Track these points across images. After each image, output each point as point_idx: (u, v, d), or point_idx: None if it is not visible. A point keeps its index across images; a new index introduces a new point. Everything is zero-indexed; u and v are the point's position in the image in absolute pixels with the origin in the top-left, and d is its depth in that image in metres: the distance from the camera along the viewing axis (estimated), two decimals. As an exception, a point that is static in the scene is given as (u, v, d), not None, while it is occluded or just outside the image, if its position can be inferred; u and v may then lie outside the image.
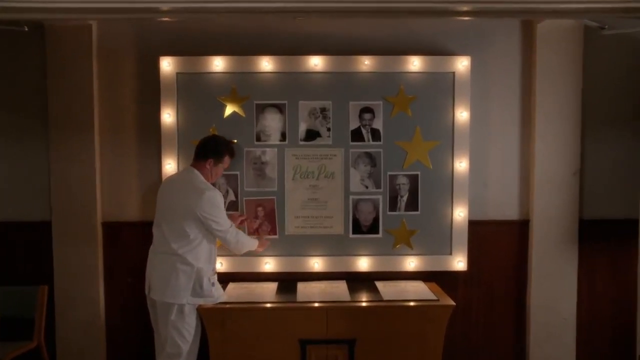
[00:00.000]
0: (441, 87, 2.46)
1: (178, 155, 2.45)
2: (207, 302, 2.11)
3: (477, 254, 2.57)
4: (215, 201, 2.07)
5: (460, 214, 2.48)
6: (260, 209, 2.37)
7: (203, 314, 2.12)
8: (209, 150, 2.16)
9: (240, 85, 2.44)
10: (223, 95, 2.44)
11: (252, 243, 2.27)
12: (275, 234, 2.41)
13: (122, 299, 2.54)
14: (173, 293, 2.05)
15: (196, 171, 2.16)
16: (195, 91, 2.43)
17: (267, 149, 2.47)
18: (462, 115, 2.47)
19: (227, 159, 2.21)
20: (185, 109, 2.44)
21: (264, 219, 2.43)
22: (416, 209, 2.48)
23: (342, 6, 1.71)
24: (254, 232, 2.43)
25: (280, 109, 2.45)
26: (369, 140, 2.46)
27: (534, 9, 1.78)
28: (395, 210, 2.48)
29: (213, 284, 2.12)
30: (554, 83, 2.49)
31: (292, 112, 2.46)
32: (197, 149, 2.20)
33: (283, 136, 2.46)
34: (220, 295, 2.17)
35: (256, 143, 2.46)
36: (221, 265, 2.45)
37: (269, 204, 2.40)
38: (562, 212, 2.52)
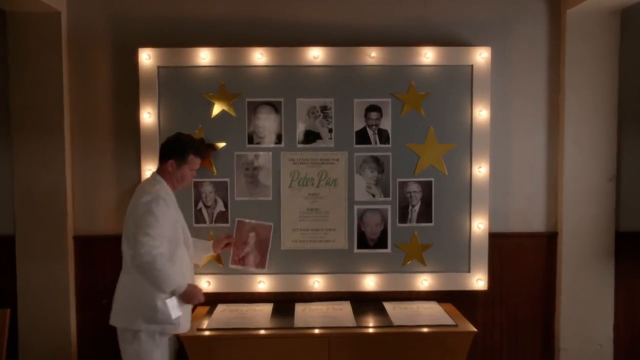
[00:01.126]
0: (458, 82, 2.41)
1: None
2: (167, 330, 1.94)
3: (499, 271, 2.52)
4: (150, 207, 1.87)
5: (479, 225, 2.43)
6: (252, 234, 2.30)
7: (186, 343, 2.05)
8: (169, 150, 2.01)
9: (230, 80, 2.39)
10: (211, 92, 2.39)
11: (173, 283, 1.90)
12: (263, 267, 2.35)
13: (96, 323, 2.47)
14: (125, 317, 1.93)
15: (158, 177, 2.03)
16: (179, 87, 2.38)
17: (261, 153, 2.42)
18: (482, 114, 2.41)
19: (193, 159, 2.02)
20: (167, 107, 2.39)
21: (254, 247, 2.36)
22: (429, 221, 2.44)
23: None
24: (239, 262, 2.37)
25: (275, 107, 2.40)
26: (375, 143, 2.42)
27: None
28: (405, 222, 2.44)
29: (173, 307, 1.90)
30: (585, 77, 2.45)
31: (288, 110, 2.41)
32: (159, 151, 2.10)
33: (279, 138, 2.41)
34: (182, 322, 1.97)
35: (248, 146, 2.42)
36: (208, 284, 2.40)
37: (264, 231, 2.32)
38: (596, 224, 2.48)
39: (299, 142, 2.42)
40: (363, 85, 2.42)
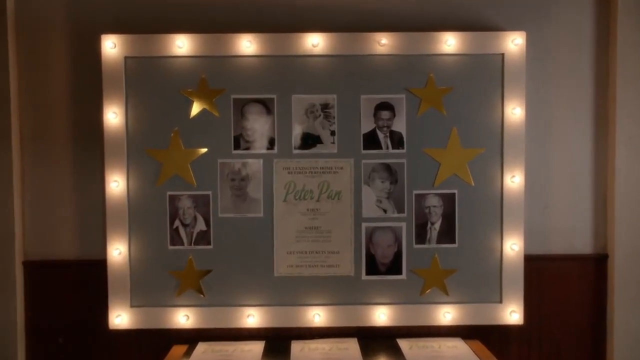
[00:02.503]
0: (486, 75, 2.32)
1: (128, 169, 2.30)
2: None
3: (537, 302, 2.44)
4: None
5: (513, 246, 2.35)
6: None
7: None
8: None
9: (213, 73, 2.31)
10: (189, 88, 2.30)
11: None
12: None
13: (51, 366, 2.37)
14: None
15: None
16: (151, 82, 2.29)
17: (250, 161, 2.33)
18: (515, 112, 2.33)
19: None
20: (137, 106, 2.31)
21: None
22: (452, 241, 2.36)
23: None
24: None
25: (266, 106, 2.33)
26: (387, 148, 2.34)
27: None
28: (424, 243, 2.36)
29: None
30: (641, 68, 2.37)
31: (283, 109, 2.34)
32: None
33: (271, 143, 2.34)
34: None
35: (234, 152, 2.32)
36: (186, 319, 2.31)
37: None
38: (655, 244, 2.37)
39: (295, 148, 2.34)
40: (372, 79, 2.33)
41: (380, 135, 2.33)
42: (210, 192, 2.32)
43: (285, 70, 2.31)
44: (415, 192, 2.34)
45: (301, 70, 2.31)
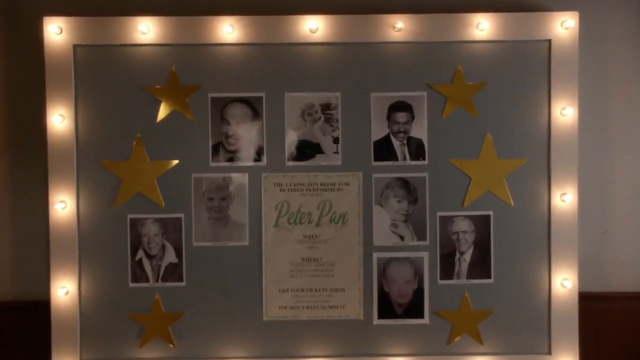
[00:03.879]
0: (528, 67, 2.21)
1: (78, 187, 2.16)
2: None
3: (596, 352, 2.30)
4: None
5: (564, 282, 2.19)
6: None
7: None
8: None
9: (185, 66, 2.20)
10: (155, 84, 2.20)
11: None
12: None
13: None
14: None
15: None
16: (107, 77, 2.18)
17: (232, 175, 2.21)
18: (565, 113, 2.18)
19: None
20: (89, 107, 2.19)
21: None
22: (487, 275, 2.23)
23: None
24: None
25: (253, 106, 2.22)
26: (404, 159, 2.24)
27: None
28: (451, 278, 2.23)
29: None
30: None
31: (273, 111, 2.23)
32: None
33: (258, 153, 2.22)
34: None
35: (213, 164, 2.21)
36: (150, 376, 2.15)
37: None
38: None
39: (289, 159, 2.24)
40: (385, 73, 2.22)
41: (396, 142, 2.26)
42: (182, 215, 2.23)
43: (276, 62, 2.23)
44: (439, 214, 2.26)
45: (296, 62, 2.23)
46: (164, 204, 2.21)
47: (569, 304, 2.23)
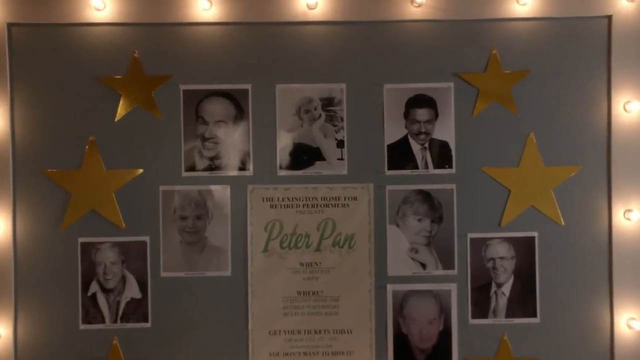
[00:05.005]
0: (582, 51, 2.08)
1: (15, 202, 2.01)
2: None
3: None
4: None
5: (631, 322, 2.03)
6: None
7: None
8: None
9: (151, 51, 2.07)
10: (114, 73, 2.06)
11: None
12: None
13: None
14: None
15: None
16: (52, 64, 2.06)
17: (211, 188, 2.08)
18: (630, 108, 2.03)
19: None
20: (29, 102, 2.07)
21: None
22: (532, 313, 2.07)
23: None
24: None
25: (236, 101, 2.09)
26: (426, 166, 2.10)
27: None
28: (486, 316, 2.07)
29: None
30: None
31: (262, 107, 2.10)
32: None
33: (243, 160, 2.09)
34: None
35: (186, 175, 2.06)
36: None
37: None
38: None
39: (282, 167, 2.11)
40: (401, 59, 2.10)
41: (416, 146, 2.13)
42: (147, 239, 2.09)
43: (265, 46, 2.12)
44: (470, 235, 2.12)
45: (290, 46, 2.13)
46: (124, 225, 2.08)
47: (637, 348, 2.09)
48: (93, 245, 2.02)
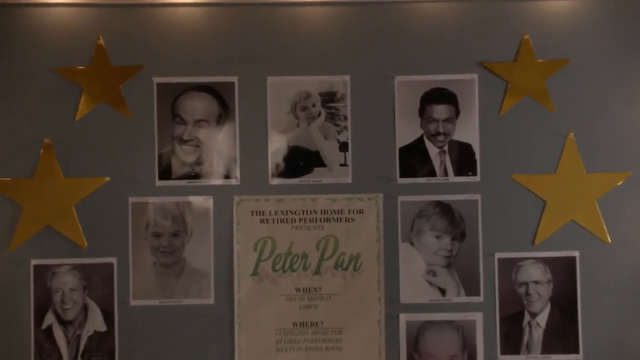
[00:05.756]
0: (630, 37, 1.96)
1: None
2: None
3: None
4: None
5: None
6: None
7: None
8: None
9: (119, 37, 1.96)
10: (74, 63, 1.93)
11: None
12: None
13: None
14: None
15: None
16: (1, 52, 1.95)
17: (191, 199, 1.97)
18: None
19: None
20: None
21: None
22: (573, 348, 1.93)
23: None
24: None
25: (220, 97, 1.97)
26: (445, 173, 1.98)
27: None
28: (517, 352, 1.93)
29: None
30: None
31: (251, 104, 1.98)
32: None
33: (229, 166, 1.97)
34: None
35: (160, 184, 1.93)
36: None
37: None
38: None
39: (274, 174, 1.98)
40: (416, 47, 1.99)
41: (433, 149, 1.99)
42: (114, 260, 1.95)
43: (255, 32, 1.99)
44: (499, 255, 1.96)
45: (284, 31, 2.00)
46: (86, 244, 1.93)
47: (700, 392, 1.87)
48: (49, 269, 1.90)
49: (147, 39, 1.95)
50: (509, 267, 1.94)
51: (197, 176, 1.94)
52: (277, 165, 1.96)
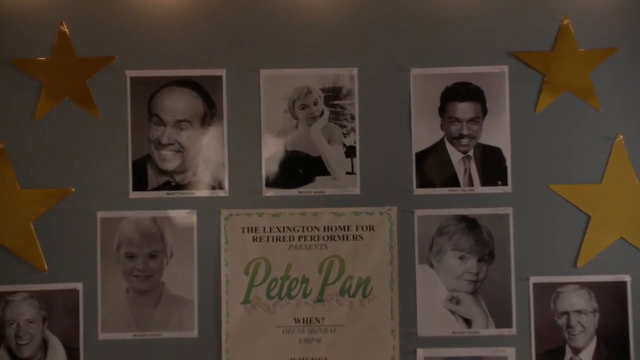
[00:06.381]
0: None
1: None
2: None
3: None
4: None
5: None
6: None
7: None
8: None
9: (85, 25, 1.80)
10: (33, 55, 1.79)
11: None
12: None
13: None
14: None
15: None
16: None
17: (171, 214, 1.81)
18: None
19: None
20: None
21: None
22: None
23: None
24: None
25: (205, 93, 1.81)
26: (470, 183, 1.81)
27: None
28: None
29: None
30: None
31: (241, 101, 1.83)
32: None
33: (216, 175, 1.80)
34: None
35: (134, 195, 1.77)
36: None
37: None
38: None
39: (269, 184, 1.82)
40: (435, 34, 1.83)
41: (456, 155, 1.84)
42: (79, 285, 1.79)
43: (247, 18, 1.83)
44: (534, 279, 1.80)
45: (281, 17, 1.85)
46: (46, 267, 1.78)
47: None
48: (2, 297, 1.75)
49: (119, 25, 1.80)
50: (547, 293, 1.78)
51: (178, 187, 1.78)
52: (273, 174, 1.81)
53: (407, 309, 1.79)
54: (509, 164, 1.78)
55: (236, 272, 1.78)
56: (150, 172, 1.79)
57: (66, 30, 1.76)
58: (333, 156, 1.82)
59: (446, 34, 1.82)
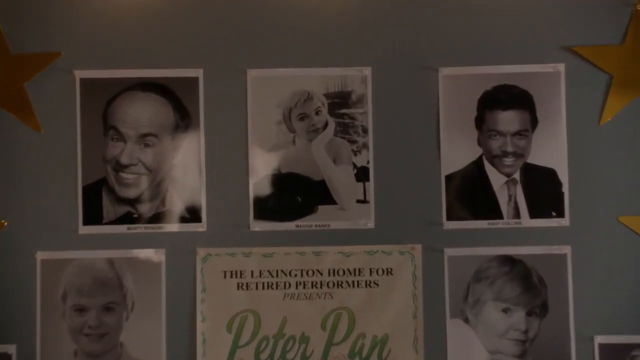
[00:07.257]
0: None
1: None
2: None
3: None
4: None
5: None
6: None
7: None
8: None
9: (21, 15, 1.59)
10: None
11: None
12: None
13: None
14: None
15: None
16: None
17: (134, 254, 1.57)
18: None
19: None
20: None
21: None
22: None
23: None
24: None
25: (176, 99, 1.55)
26: (516, 214, 1.55)
27: None
28: None
29: None
30: None
31: (222, 109, 1.59)
32: None
33: (190, 204, 1.55)
34: None
35: (84, 230, 1.52)
36: None
37: None
38: None
39: (257, 216, 1.57)
40: (469, 26, 1.58)
41: (498, 178, 1.59)
42: (12, 348, 1.58)
43: (229, 5, 1.62)
44: (600, 339, 1.55)
45: (274, 5, 1.63)
46: None
47: None
48: None
49: (65, 15, 1.57)
50: (618, 357, 1.52)
51: (142, 219, 1.53)
52: (263, 202, 1.56)
53: (435, 378, 1.58)
54: (566, 189, 1.55)
55: (216, 329, 1.54)
56: (106, 200, 1.56)
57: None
58: (340, 180, 1.59)
59: (484, 25, 1.57)
